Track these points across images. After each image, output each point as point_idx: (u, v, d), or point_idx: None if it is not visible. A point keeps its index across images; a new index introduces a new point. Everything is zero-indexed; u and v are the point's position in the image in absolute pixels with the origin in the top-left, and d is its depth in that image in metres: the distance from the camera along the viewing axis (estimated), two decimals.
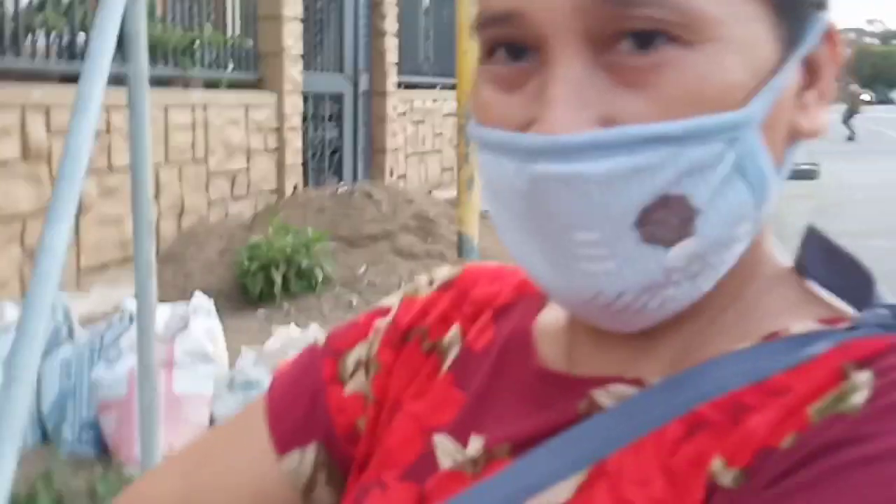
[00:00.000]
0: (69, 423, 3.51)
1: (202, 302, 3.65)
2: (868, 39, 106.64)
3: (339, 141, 9.41)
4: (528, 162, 0.57)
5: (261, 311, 5.78)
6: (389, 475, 0.70)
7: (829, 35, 0.62)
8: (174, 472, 0.82)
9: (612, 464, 0.60)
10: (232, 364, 3.84)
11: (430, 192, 8.61)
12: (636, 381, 0.63)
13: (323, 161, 9.20)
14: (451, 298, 0.78)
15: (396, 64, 10.39)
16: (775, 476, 0.53)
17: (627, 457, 0.59)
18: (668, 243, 0.57)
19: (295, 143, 8.22)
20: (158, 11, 6.77)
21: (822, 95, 0.63)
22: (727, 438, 0.57)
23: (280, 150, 7.99)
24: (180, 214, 6.74)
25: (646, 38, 0.56)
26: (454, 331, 0.76)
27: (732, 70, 0.57)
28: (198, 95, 6.97)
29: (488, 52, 0.61)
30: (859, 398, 0.53)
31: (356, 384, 0.77)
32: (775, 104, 0.59)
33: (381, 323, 0.79)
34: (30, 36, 5.57)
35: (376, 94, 10.08)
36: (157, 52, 6.56)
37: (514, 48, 0.60)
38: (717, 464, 0.56)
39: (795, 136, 0.62)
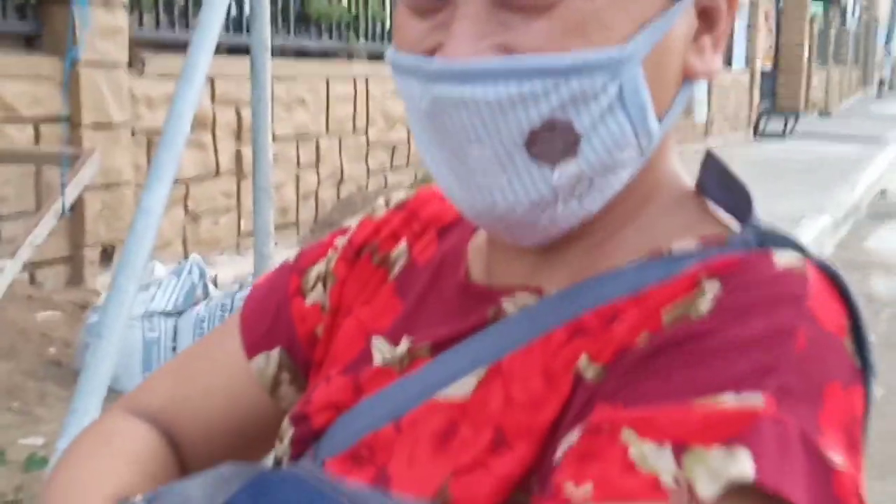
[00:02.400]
0: None
1: None
2: None
3: None
4: (429, 84, 0.65)
5: None
6: (333, 370, 0.80)
7: None
8: (164, 378, 0.92)
9: (507, 364, 0.68)
10: None
11: None
12: (537, 290, 0.71)
13: None
14: (402, 217, 0.87)
15: None
16: (627, 367, 0.62)
17: (518, 358, 0.68)
18: (554, 163, 0.65)
19: None
20: None
21: (717, 40, 0.70)
22: (597, 340, 0.65)
23: None
24: (339, 183, 6.93)
25: None
26: (402, 246, 0.85)
27: (617, 10, 0.64)
28: (360, 68, 7.13)
29: None
30: (705, 303, 0.61)
31: (315, 295, 0.87)
32: (661, 44, 0.66)
33: (341, 241, 0.88)
34: (199, 8, 5.82)
35: None
36: (321, 25, 6.75)
37: None
38: (583, 360, 0.65)
39: (689, 76, 0.70)
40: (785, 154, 13.17)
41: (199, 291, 3.81)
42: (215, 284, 4.07)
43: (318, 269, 0.88)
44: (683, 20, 0.67)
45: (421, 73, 0.66)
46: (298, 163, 6.50)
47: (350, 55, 7.18)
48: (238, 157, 5.91)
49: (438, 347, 0.73)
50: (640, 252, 0.69)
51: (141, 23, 5.39)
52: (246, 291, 3.08)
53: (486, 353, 0.70)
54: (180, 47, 5.63)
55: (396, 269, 0.84)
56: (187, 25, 5.68)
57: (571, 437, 0.61)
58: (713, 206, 0.73)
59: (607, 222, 0.70)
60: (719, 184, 0.73)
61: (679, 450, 0.56)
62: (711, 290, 0.62)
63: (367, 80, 7.12)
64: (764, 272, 0.63)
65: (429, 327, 0.76)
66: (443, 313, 0.76)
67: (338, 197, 6.94)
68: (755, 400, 0.56)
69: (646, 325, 0.63)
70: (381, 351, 0.78)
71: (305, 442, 0.78)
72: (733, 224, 0.71)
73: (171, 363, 0.94)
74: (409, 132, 7.63)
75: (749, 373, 0.58)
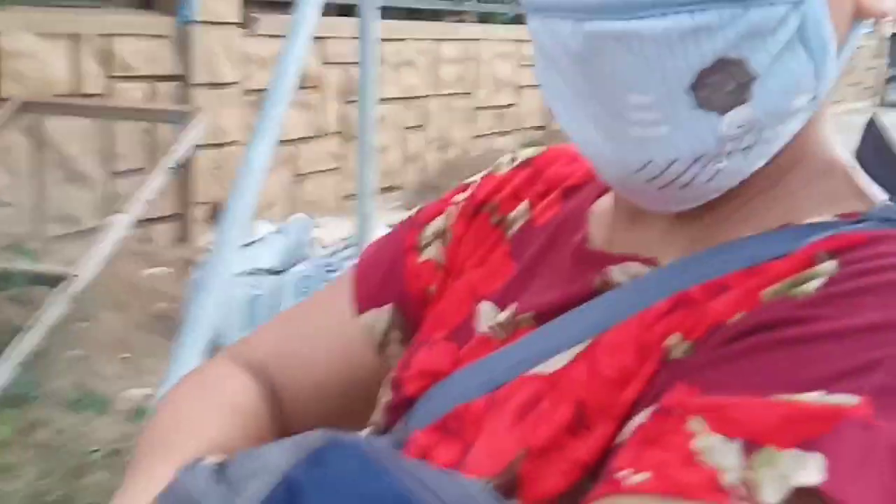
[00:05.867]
0: None
1: None
2: None
3: None
4: (583, 20, 0.56)
5: None
6: (437, 334, 0.75)
7: None
8: (272, 330, 0.89)
9: (606, 338, 0.62)
10: None
11: None
12: (650, 261, 0.64)
13: None
14: (526, 175, 0.81)
15: None
16: (713, 348, 0.55)
17: (618, 331, 0.61)
18: (723, 109, 0.56)
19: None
20: None
21: None
22: (695, 314, 0.58)
23: None
24: (445, 147, 6.92)
25: None
26: (523, 206, 0.79)
27: None
28: (469, 29, 7.08)
29: None
30: (814, 284, 0.54)
31: (431, 252, 0.82)
32: None
33: (460, 197, 0.83)
34: None
35: None
36: None
37: None
38: (674, 337, 0.58)
39: (861, 14, 0.61)
40: None
41: (304, 250, 3.84)
42: (320, 245, 4.10)
43: (437, 224, 0.83)
44: None
45: (573, 7, 0.56)
46: (405, 125, 6.50)
47: (460, 17, 7.13)
48: (345, 118, 5.94)
49: (543, 317, 0.68)
50: (772, 224, 0.62)
51: None
52: (350, 251, 3.09)
53: (586, 327, 0.64)
54: (291, 6, 5.71)
55: (514, 230, 0.78)
56: None
57: (642, 416, 0.56)
58: (865, 180, 0.64)
59: (744, 189, 0.62)
60: (875, 155, 0.66)
61: (749, 447, 0.50)
62: (826, 270, 0.55)
63: (476, 43, 7.06)
64: (889, 254, 0.55)
65: (537, 293, 0.70)
66: (553, 279, 0.70)
67: (444, 160, 6.92)
68: (847, 400, 0.49)
69: (745, 303, 0.57)
70: (487, 317, 0.73)
71: (399, 409, 0.74)
72: (882, 199, 0.63)
73: (280, 315, 0.91)
74: (517, 96, 7.60)
75: (847, 369, 0.50)
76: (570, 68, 0.58)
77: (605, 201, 0.73)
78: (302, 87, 5.56)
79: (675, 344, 0.58)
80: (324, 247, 4.01)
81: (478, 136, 7.26)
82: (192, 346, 1.89)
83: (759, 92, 0.56)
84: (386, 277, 0.83)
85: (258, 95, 5.31)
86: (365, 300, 0.83)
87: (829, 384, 0.50)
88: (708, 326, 0.57)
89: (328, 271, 3.69)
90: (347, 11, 5.47)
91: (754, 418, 0.50)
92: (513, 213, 0.79)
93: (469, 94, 7.09)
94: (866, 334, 0.51)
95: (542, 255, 0.74)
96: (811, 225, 0.60)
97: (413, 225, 0.85)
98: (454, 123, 6.98)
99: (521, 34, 7.58)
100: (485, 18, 7.39)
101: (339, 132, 5.94)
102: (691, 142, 0.57)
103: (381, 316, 0.83)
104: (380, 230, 3.70)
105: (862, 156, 0.66)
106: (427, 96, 6.65)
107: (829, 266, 0.55)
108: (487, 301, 0.74)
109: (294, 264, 3.78)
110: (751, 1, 0.54)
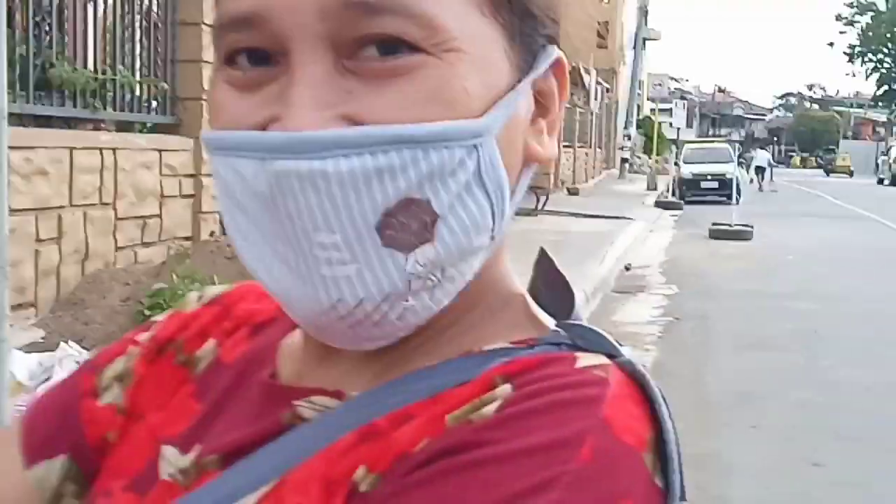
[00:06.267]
0: None
1: (70, 351, 3.49)
2: (808, 104, 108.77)
3: None
4: (268, 159, 0.56)
5: None
6: (116, 484, 0.71)
7: (559, 68, 0.66)
8: None
9: (291, 476, 0.60)
10: None
11: None
12: (337, 394, 0.64)
13: None
14: (214, 313, 0.79)
15: None
16: (397, 478, 0.55)
17: (304, 468, 0.60)
18: (409, 248, 0.58)
19: (213, 189, 8.05)
20: (70, 52, 6.63)
21: (552, 124, 0.66)
22: (380, 446, 0.58)
23: (196, 195, 7.84)
24: (84, 259, 6.55)
25: (389, 46, 0.57)
26: (210, 345, 0.77)
27: (470, 80, 0.59)
28: (107, 137, 6.81)
29: (228, 59, 0.61)
30: (491, 408, 0.56)
31: (111, 396, 0.77)
32: (509, 122, 0.61)
33: (144, 337, 0.80)
34: None
35: None
36: (65, 92, 6.40)
37: (255, 54, 0.59)
38: (360, 471, 0.58)
39: (530, 159, 0.65)
40: (537, 229, 13.63)
41: None
42: None
43: (116, 366, 0.79)
44: (524, 100, 0.64)
45: (257, 147, 0.57)
46: (38, 237, 6.08)
47: (97, 126, 6.85)
48: None
49: (229, 458, 0.64)
50: (454, 354, 0.63)
51: None
52: None
53: (275, 464, 0.61)
54: None
55: (200, 369, 0.75)
56: None
57: None
58: (537, 310, 0.68)
59: (430, 324, 0.62)
60: (545, 283, 0.70)
61: None
62: (501, 394, 0.57)
63: (114, 151, 6.79)
64: (560, 374, 0.57)
65: (222, 433, 0.67)
66: (240, 417, 0.68)
67: (82, 274, 6.54)
68: None
69: (429, 430, 0.57)
70: (170, 462, 0.69)
71: None
72: (552, 325, 0.66)
73: None
74: (160, 207, 7.36)
75: (523, 490, 0.52)
76: (255, 208, 0.58)
77: (296, 336, 0.71)
78: None
79: (361, 477, 0.58)
80: None
81: (120, 248, 6.93)
82: None
83: (442, 231, 0.58)
84: (59, 426, 0.77)
85: None
86: (34, 451, 0.76)
87: None
88: (394, 457, 0.57)
89: None
90: None
91: None
92: (199, 352, 0.77)
93: (109, 204, 6.78)
94: (539, 454, 0.53)
95: (230, 393, 0.71)
96: (489, 352, 0.62)
97: (90, 368, 0.80)
98: (94, 235, 6.63)
99: (163, 143, 7.41)
100: (122, 126, 7.15)
101: None
102: (379, 281, 0.58)
103: (52, 468, 0.76)
104: (15, 354, 3.39)
105: (536, 285, 0.70)
106: (62, 207, 6.28)
107: (505, 389, 0.57)
108: (170, 445, 0.70)
109: None
110: (429, 144, 0.57)
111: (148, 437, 0.72)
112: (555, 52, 0.66)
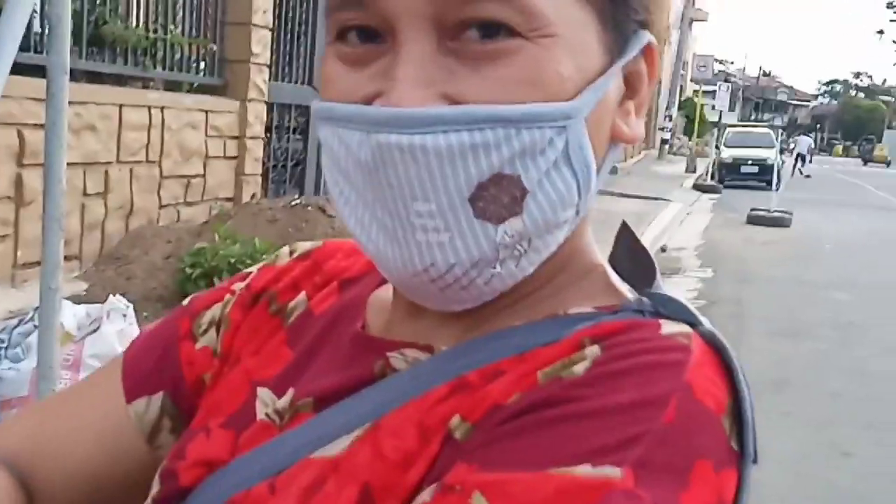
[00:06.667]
0: None
1: (118, 304, 3.56)
2: (853, 92, 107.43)
3: (303, 153, 9.33)
4: (372, 132, 0.61)
5: None
6: (214, 421, 0.75)
7: (649, 52, 0.69)
8: (26, 418, 0.87)
9: (385, 422, 0.65)
10: None
11: None
12: (427, 348, 0.69)
13: (285, 173, 9.11)
14: (305, 267, 0.85)
15: None
16: (491, 428, 0.60)
17: (397, 415, 0.65)
18: (499, 220, 0.62)
19: (256, 152, 8.13)
20: (122, 10, 6.70)
21: (639, 106, 0.70)
22: (473, 398, 0.63)
23: (240, 158, 7.91)
24: (128, 215, 6.64)
25: (489, 29, 0.61)
26: (301, 297, 0.82)
27: (564, 65, 0.62)
28: (155, 96, 6.88)
29: (339, 35, 0.65)
30: (581, 367, 0.60)
31: (207, 340, 0.83)
32: (599, 104, 0.65)
33: (239, 286, 0.86)
34: None
35: None
36: (116, 49, 6.47)
37: (364, 32, 0.64)
38: (455, 419, 0.63)
39: (616, 138, 0.69)
40: None
41: None
42: None
43: (213, 312, 0.85)
44: (615, 83, 0.67)
45: (363, 120, 0.62)
46: (85, 191, 6.18)
47: (146, 84, 6.92)
48: (19, 182, 5.56)
49: (321, 402, 0.70)
50: (539, 317, 0.68)
51: None
52: (28, 326, 2.83)
53: (367, 411, 0.67)
54: None
55: (292, 319, 0.81)
56: None
57: (425, 495, 0.59)
58: (617, 279, 0.72)
59: (516, 289, 0.67)
60: (628, 255, 0.74)
61: None
62: (591, 354, 0.61)
63: (162, 110, 6.86)
64: (646, 339, 0.62)
65: (315, 379, 0.73)
66: (331, 365, 0.73)
67: (126, 230, 6.63)
68: (612, 472, 0.55)
69: (520, 385, 0.62)
70: (265, 403, 0.74)
71: (169, 501, 0.73)
72: (632, 295, 0.70)
73: (38, 404, 0.90)
74: (204, 167, 7.43)
75: (610, 444, 0.56)
76: (357, 175, 0.63)
77: (383, 291, 0.77)
78: None
79: (456, 425, 0.63)
80: None
81: (164, 205, 7.02)
82: None
83: (530, 205, 0.62)
84: (158, 365, 0.83)
85: None
86: (134, 387, 0.82)
87: (594, 457, 0.56)
88: (487, 408, 0.62)
89: (1, 347, 3.39)
90: (21, 69, 5.16)
91: (531, 492, 0.55)
92: (291, 303, 0.82)
93: (155, 161, 6.86)
94: (627, 411, 0.57)
95: (319, 342, 0.76)
96: (573, 315, 0.67)
97: (187, 313, 0.86)
98: (139, 191, 6.71)
99: (208, 104, 7.47)
100: (170, 85, 7.21)
101: (10, 197, 5.55)
102: (470, 248, 0.63)
103: (151, 404, 0.82)
104: (64, 304, 3.46)
105: (616, 257, 0.75)
106: (109, 162, 6.36)
107: (593, 350, 0.61)
108: (265, 388, 0.75)
109: None
110: (522, 124, 0.61)
111: (244, 379, 0.77)
112: (646, 37, 0.69)
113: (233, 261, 5.76)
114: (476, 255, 0.63)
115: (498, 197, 0.61)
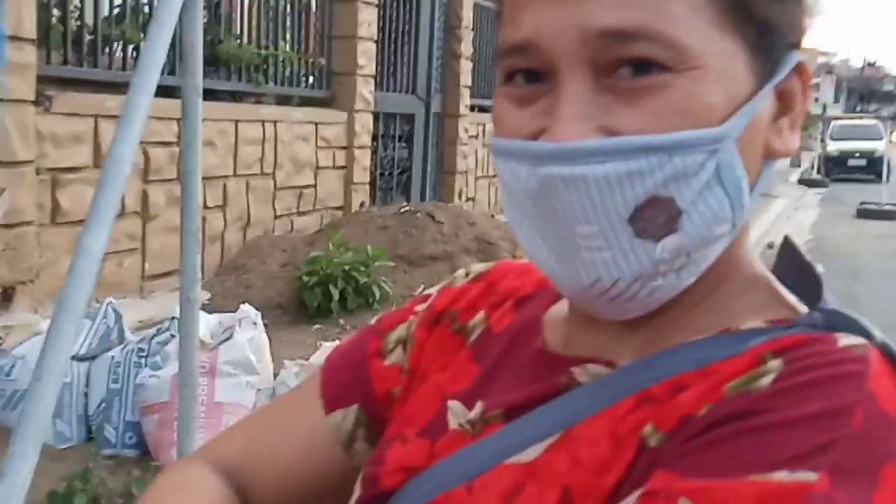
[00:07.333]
0: (113, 424, 3.60)
1: (249, 313, 3.72)
2: None
3: (408, 161, 9.49)
4: (538, 165, 0.68)
5: (316, 326, 5.81)
6: (409, 431, 0.83)
7: (801, 70, 0.73)
8: (241, 431, 0.97)
9: (577, 431, 0.71)
10: (276, 376, 3.90)
11: (492, 215, 8.61)
12: (609, 363, 0.74)
13: (391, 180, 9.28)
14: (481, 288, 0.93)
15: (469, 87, 10.48)
16: (687, 437, 0.64)
17: (588, 424, 0.70)
18: (657, 237, 0.67)
19: (364, 161, 8.32)
20: (236, 29, 6.92)
21: (793, 121, 0.74)
22: (662, 410, 0.68)
23: (348, 167, 8.10)
24: (245, 226, 6.86)
25: (641, 66, 0.66)
26: (480, 316, 0.90)
27: (712, 94, 0.67)
28: (268, 111, 7.10)
29: (507, 78, 0.72)
30: (767, 380, 0.64)
31: (395, 357, 0.92)
32: (750, 125, 0.69)
33: (421, 307, 0.94)
34: (107, 47, 5.74)
35: (448, 115, 10.18)
36: (230, 67, 6.70)
37: (529, 74, 0.70)
38: (648, 428, 0.67)
39: (771, 154, 0.73)
40: None
41: (115, 336, 3.72)
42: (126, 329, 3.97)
43: (399, 332, 0.93)
44: (766, 104, 0.71)
45: (529, 154, 0.68)
46: (206, 205, 6.41)
47: (258, 99, 7.14)
48: (144, 197, 5.81)
49: (511, 413, 0.76)
50: (710, 330, 0.72)
51: (49, 59, 5.27)
52: (164, 336, 3.00)
53: (558, 420, 0.72)
54: (88, 84, 5.57)
55: (473, 337, 0.88)
56: (96, 63, 5.59)
57: (630, 500, 0.63)
58: (783, 291, 0.76)
59: (682, 300, 0.72)
60: (792, 268, 0.78)
61: None
62: (774, 368, 0.65)
63: (275, 124, 7.08)
64: (826, 352, 0.65)
65: (502, 393, 0.79)
66: (517, 379, 0.79)
67: (244, 240, 6.86)
68: (809, 477, 0.58)
69: (709, 397, 0.66)
70: (456, 414, 0.81)
71: (373, 503, 0.80)
72: (801, 308, 0.74)
73: (249, 416, 1.00)
74: (315, 177, 7.60)
75: (804, 451, 0.60)
76: (528, 203, 0.70)
77: (557, 309, 0.83)
78: (96, 166, 5.42)
79: (649, 434, 0.67)
80: (132, 331, 3.88)
81: (278, 216, 7.24)
82: (29, 439, 1.80)
83: (686, 223, 0.67)
84: (352, 381, 0.93)
85: (52, 175, 5.13)
86: (332, 401, 0.92)
87: (790, 464, 0.59)
88: (678, 418, 0.66)
89: (141, 356, 3.58)
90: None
91: (734, 497, 0.59)
92: (472, 322, 0.90)
93: (269, 174, 7.08)
94: (816, 420, 0.61)
95: (503, 358, 0.83)
96: (747, 331, 0.71)
97: (375, 332, 0.95)
98: (255, 203, 6.94)
99: (318, 117, 7.67)
100: (282, 100, 7.42)
101: (136, 212, 5.80)
102: (631, 264, 0.68)
103: (347, 415, 0.92)
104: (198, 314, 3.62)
105: (780, 269, 0.79)
106: (227, 176, 6.60)
107: (776, 364, 0.65)
108: (454, 400, 0.82)
109: (104, 350, 3.65)
110: (675, 150, 0.66)
111: (434, 393, 0.85)
112: (797, 57, 0.72)
113: (347, 268, 5.90)
114: (637, 270, 0.68)
115: (655, 217, 0.66)
